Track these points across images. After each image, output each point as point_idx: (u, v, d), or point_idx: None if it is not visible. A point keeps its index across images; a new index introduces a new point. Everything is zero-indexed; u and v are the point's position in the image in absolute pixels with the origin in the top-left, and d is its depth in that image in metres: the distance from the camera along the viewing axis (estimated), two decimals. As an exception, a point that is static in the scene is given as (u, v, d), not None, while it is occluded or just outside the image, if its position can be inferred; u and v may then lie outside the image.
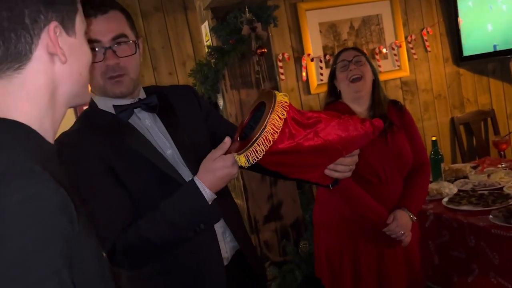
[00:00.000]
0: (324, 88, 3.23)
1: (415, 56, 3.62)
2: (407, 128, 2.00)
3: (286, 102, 1.00)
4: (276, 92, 1.03)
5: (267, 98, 1.03)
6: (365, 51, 3.40)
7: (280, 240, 2.65)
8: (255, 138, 0.98)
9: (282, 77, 3.23)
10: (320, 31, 3.37)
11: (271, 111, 0.98)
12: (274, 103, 0.99)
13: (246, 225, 2.25)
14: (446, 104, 3.78)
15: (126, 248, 1.11)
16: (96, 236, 0.78)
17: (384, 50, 3.52)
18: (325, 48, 3.38)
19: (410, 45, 3.60)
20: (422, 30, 3.65)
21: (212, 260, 1.23)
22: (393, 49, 3.56)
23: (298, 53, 3.32)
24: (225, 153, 1.09)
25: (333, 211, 1.96)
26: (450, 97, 3.79)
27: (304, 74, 3.30)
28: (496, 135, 3.66)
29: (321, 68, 3.34)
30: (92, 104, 1.24)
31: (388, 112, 1.94)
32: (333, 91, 2.04)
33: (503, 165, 2.78)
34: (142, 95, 1.27)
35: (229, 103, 2.54)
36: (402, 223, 1.81)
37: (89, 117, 1.24)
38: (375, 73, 1.98)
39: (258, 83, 2.37)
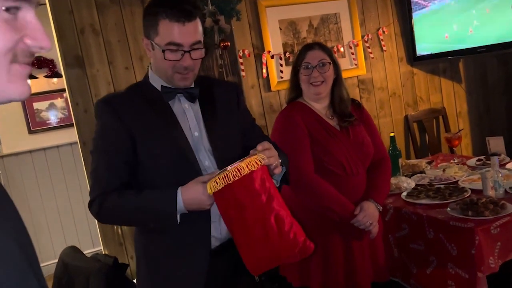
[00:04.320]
0: (285, 86, 3.24)
1: (371, 55, 3.70)
2: (366, 124, 2.05)
3: (260, 160, 1.16)
4: (260, 154, 1.20)
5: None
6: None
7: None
8: (219, 172, 1.19)
9: (243, 73, 3.19)
10: (280, 28, 3.37)
11: (242, 160, 1.17)
12: (250, 157, 1.18)
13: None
14: (401, 102, 3.89)
15: (101, 205, 1.31)
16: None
17: (341, 49, 3.58)
18: (285, 45, 3.38)
19: (367, 44, 3.67)
20: (378, 29, 3.74)
21: (200, 240, 1.35)
22: (350, 48, 3.62)
23: (258, 50, 3.30)
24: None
25: (299, 207, 1.95)
26: (404, 96, 3.90)
27: (264, 71, 3.29)
28: (447, 132, 3.82)
29: (281, 65, 3.34)
30: (145, 77, 1.44)
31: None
32: (295, 86, 2.04)
33: (455, 160, 2.90)
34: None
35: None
36: (369, 213, 1.83)
37: (139, 86, 1.45)
38: (337, 72, 1.99)
39: (222, 77, 2.33)
